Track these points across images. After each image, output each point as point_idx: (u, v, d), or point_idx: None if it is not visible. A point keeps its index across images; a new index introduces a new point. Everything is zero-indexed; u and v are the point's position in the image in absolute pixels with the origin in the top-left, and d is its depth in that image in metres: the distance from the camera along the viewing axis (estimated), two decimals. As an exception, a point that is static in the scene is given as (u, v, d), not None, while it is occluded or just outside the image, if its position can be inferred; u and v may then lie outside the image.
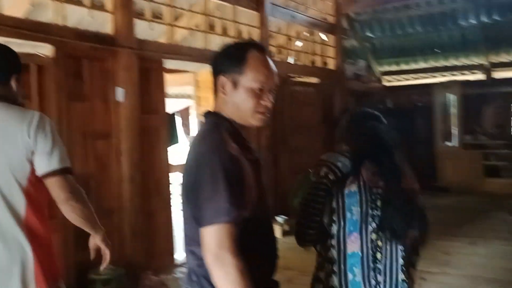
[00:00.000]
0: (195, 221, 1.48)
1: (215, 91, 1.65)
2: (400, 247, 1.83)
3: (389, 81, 10.98)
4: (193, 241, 1.52)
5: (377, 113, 2.05)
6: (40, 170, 1.92)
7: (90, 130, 4.39)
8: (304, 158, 7.76)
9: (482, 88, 9.77)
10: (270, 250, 1.65)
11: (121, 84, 4.57)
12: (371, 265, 1.79)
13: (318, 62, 8.40)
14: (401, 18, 9.45)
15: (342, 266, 1.80)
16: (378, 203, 1.81)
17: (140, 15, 5.10)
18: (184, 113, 9.13)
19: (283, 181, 7.15)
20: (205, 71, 6.74)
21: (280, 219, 6.51)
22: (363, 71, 9.73)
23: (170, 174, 5.30)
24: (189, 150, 1.58)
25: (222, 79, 1.59)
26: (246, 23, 6.53)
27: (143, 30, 5.23)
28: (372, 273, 1.78)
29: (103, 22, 4.72)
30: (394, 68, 10.70)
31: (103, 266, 2.24)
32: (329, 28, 8.50)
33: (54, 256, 2.05)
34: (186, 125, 9.24)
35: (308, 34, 8.18)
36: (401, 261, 1.83)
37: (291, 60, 7.96)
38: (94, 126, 4.42)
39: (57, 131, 2.07)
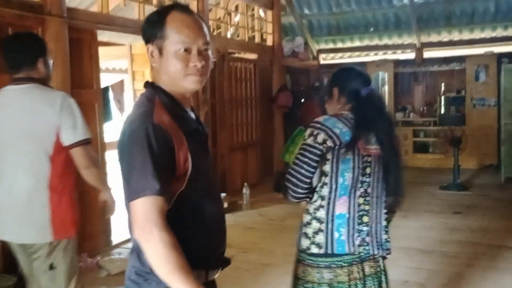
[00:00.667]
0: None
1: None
2: (384, 210, 2.02)
3: (325, 58, 11.09)
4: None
5: (365, 74, 2.15)
6: (67, 141, 2.39)
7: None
8: (243, 134, 7.72)
9: (413, 67, 10.11)
10: (216, 224, 1.58)
11: (50, 55, 4.25)
12: (356, 226, 1.92)
13: (257, 38, 8.31)
14: (338, -4, 9.52)
15: (329, 225, 1.92)
16: (368, 170, 1.96)
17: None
18: (118, 88, 8.75)
19: (221, 158, 7.08)
20: (140, 44, 6.46)
21: (219, 196, 6.44)
22: (301, 48, 9.76)
23: (105, 153, 5.08)
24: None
25: (150, 47, 1.55)
26: (184, -5, 6.30)
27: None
28: (356, 234, 1.92)
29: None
30: (330, 46, 10.81)
31: (108, 216, 2.91)
32: (267, 4, 8.42)
33: (69, 212, 2.48)
34: (119, 101, 8.88)
35: (246, 9, 8.05)
36: (384, 222, 2.02)
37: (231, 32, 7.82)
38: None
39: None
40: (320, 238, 1.92)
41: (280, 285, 4.08)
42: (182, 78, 1.51)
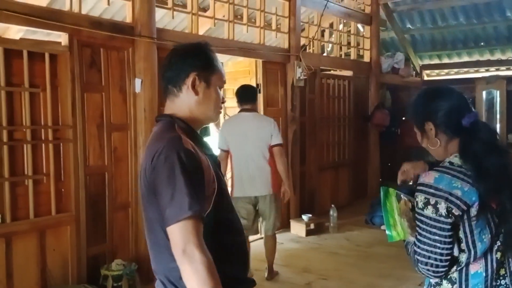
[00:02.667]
0: (159, 223, 1.46)
1: (169, 92, 1.65)
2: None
3: (429, 75, 10.48)
4: (160, 246, 1.51)
5: (459, 93, 1.74)
6: (273, 143, 4.40)
7: (106, 122, 4.27)
8: (334, 154, 7.48)
9: (529, 84, 9.17)
10: (240, 245, 1.64)
11: (139, 75, 4.44)
12: (494, 283, 1.66)
13: (353, 55, 8.06)
14: (443, 9, 8.97)
15: (463, 286, 1.65)
16: (496, 220, 1.64)
17: (161, 4, 4.93)
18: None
19: (310, 178, 6.91)
20: (231, 62, 6.54)
21: (305, 217, 6.27)
22: (401, 64, 9.29)
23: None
24: (145, 151, 1.57)
25: (194, 78, 1.60)
26: (275, 13, 6.28)
27: (165, 19, 5.07)
28: None
29: (121, 10, 4.57)
30: (435, 61, 10.20)
31: (285, 201, 4.67)
32: (365, 19, 8.15)
33: (277, 180, 4.45)
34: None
35: (342, 25, 7.85)
36: None
37: (329, 49, 7.60)
38: (110, 118, 4.30)
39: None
40: None
41: (356, 319, 3.82)
42: (214, 111, 1.65)
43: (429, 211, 1.58)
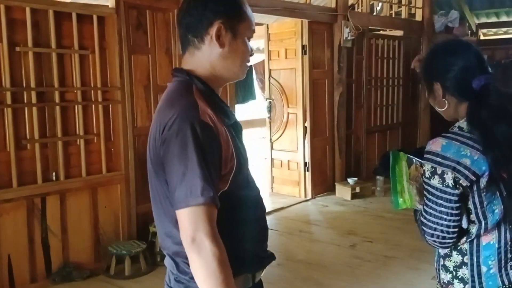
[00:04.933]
0: (167, 198, 1.30)
1: (188, 42, 1.38)
2: None
3: (486, 34, 9.96)
4: (167, 222, 1.34)
5: (476, 50, 1.58)
6: None
7: (152, 83, 4.33)
8: (382, 116, 7.33)
9: None
10: (259, 220, 1.46)
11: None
12: (509, 255, 1.55)
13: (404, 14, 7.75)
14: (503, -37, 8.43)
15: (474, 258, 1.56)
16: None
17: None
18: (260, 67, 8.92)
19: (356, 141, 6.82)
20: (276, 23, 6.44)
21: (351, 180, 6.23)
22: (456, 23, 8.86)
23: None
24: (155, 116, 1.35)
25: (219, 27, 1.34)
26: (322, -30, 6.10)
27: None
28: (510, 264, 1.56)
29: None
30: (492, 19, 9.66)
31: None
32: (417, -25, 7.78)
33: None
34: (261, 80, 9.05)
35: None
36: None
37: (378, 7, 7.31)
38: (156, 79, 4.36)
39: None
40: (464, 272, 1.58)
41: (399, 281, 3.81)
42: (241, 67, 1.41)
43: (435, 181, 1.48)
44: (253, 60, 9.20)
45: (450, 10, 8.96)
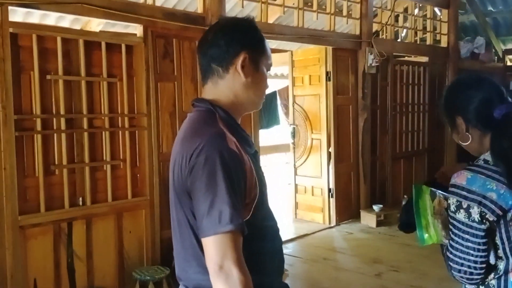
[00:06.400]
0: (191, 228, 1.31)
1: (211, 72, 1.41)
2: None
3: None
4: (188, 254, 1.34)
5: (493, 82, 1.60)
6: None
7: (178, 110, 4.40)
8: (408, 142, 7.25)
9: None
10: (275, 250, 1.46)
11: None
12: None
13: (429, 40, 7.74)
14: (529, -11, 8.38)
15: None
16: None
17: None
18: (284, 93, 8.97)
19: (382, 167, 6.75)
20: (301, 50, 6.50)
21: (376, 207, 6.15)
22: (482, 49, 8.79)
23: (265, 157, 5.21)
24: (178, 142, 1.38)
25: (245, 57, 1.38)
26: (346, -2, 6.16)
27: (235, 8, 5.12)
28: None
29: (193, 1, 4.67)
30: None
31: None
32: (443, 2, 7.78)
33: None
34: (285, 106, 9.09)
35: (417, 9, 7.54)
36: None
37: (403, 34, 7.30)
38: (182, 106, 4.43)
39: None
40: None
41: (427, 312, 3.70)
42: (261, 97, 1.46)
43: (461, 215, 1.47)
44: (277, 85, 9.30)
45: (476, 36, 8.91)
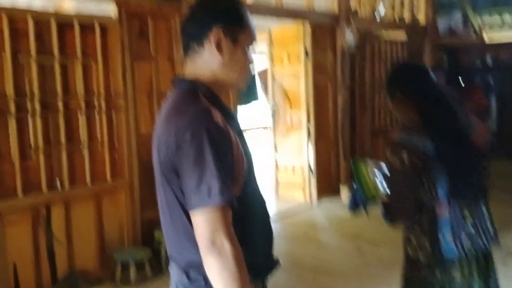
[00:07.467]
0: (181, 206, 1.29)
1: (189, 48, 1.39)
2: (482, 200, 1.96)
3: (490, 35, 9.91)
4: (179, 232, 1.33)
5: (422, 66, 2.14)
6: None
7: (155, 90, 4.36)
8: (386, 118, 7.31)
9: None
10: (264, 227, 1.46)
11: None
12: (460, 225, 1.88)
13: (406, 17, 7.75)
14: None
15: (432, 228, 1.89)
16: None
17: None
18: (263, 77, 8.94)
19: (361, 143, 6.80)
20: (279, 28, 6.46)
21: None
22: (459, 25, 8.85)
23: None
24: (161, 122, 1.35)
25: (218, 33, 1.34)
26: (324, -25, 6.12)
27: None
28: (462, 233, 1.88)
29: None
30: (496, 20, 9.62)
31: None
32: (420, -22, 7.77)
33: None
34: (265, 84, 9.06)
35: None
36: (485, 212, 1.95)
37: (381, 10, 7.31)
38: (159, 86, 4.38)
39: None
40: (424, 242, 1.91)
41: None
42: (241, 75, 1.41)
43: (394, 162, 1.87)
44: (258, 64, 9.24)
45: (454, 12, 8.94)
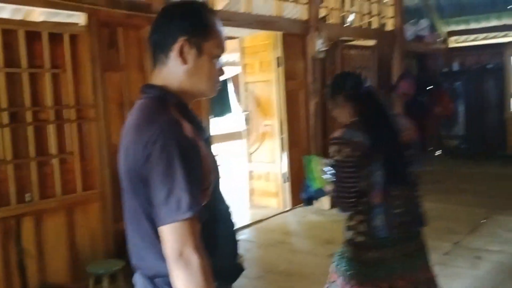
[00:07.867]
0: (147, 216, 1.29)
1: (156, 59, 1.41)
2: (414, 188, 2.24)
3: (456, 41, 10.20)
4: (145, 242, 1.33)
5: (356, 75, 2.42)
6: None
7: (126, 100, 4.33)
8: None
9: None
10: (229, 232, 1.49)
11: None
12: (393, 211, 2.12)
13: (375, 23, 7.90)
14: (469, -28, 8.67)
15: (368, 215, 2.11)
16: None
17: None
18: (236, 81, 8.97)
19: (334, 150, 6.87)
20: (250, 36, 6.51)
21: (329, 189, 6.27)
22: (426, 32, 9.07)
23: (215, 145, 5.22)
24: (129, 130, 1.34)
25: (184, 44, 1.36)
26: (294, -17, 6.19)
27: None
28: (395, 218, 2.12)
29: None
30: (462, 27, 9.90)
31: None
32: (387, -14, 7.94)
33: None
34: (238, 93, 9.10)
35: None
36: (416, 200, 2.25)
37: (350, 18, 7.46)
38: (130, 96, 4.35)
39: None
40: (361, 228, 2.14)
41: None
42: (208, 85, 1.41)
43: (338, 156, 2.09)
44: (231, 73, 9.27)
45: (420, 19, 9.17)
